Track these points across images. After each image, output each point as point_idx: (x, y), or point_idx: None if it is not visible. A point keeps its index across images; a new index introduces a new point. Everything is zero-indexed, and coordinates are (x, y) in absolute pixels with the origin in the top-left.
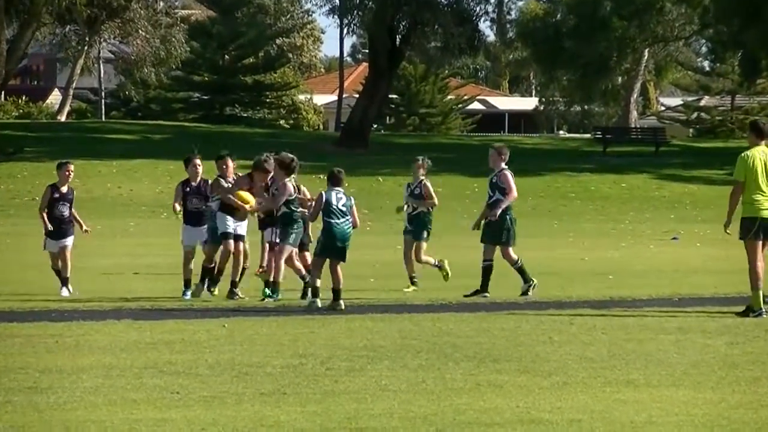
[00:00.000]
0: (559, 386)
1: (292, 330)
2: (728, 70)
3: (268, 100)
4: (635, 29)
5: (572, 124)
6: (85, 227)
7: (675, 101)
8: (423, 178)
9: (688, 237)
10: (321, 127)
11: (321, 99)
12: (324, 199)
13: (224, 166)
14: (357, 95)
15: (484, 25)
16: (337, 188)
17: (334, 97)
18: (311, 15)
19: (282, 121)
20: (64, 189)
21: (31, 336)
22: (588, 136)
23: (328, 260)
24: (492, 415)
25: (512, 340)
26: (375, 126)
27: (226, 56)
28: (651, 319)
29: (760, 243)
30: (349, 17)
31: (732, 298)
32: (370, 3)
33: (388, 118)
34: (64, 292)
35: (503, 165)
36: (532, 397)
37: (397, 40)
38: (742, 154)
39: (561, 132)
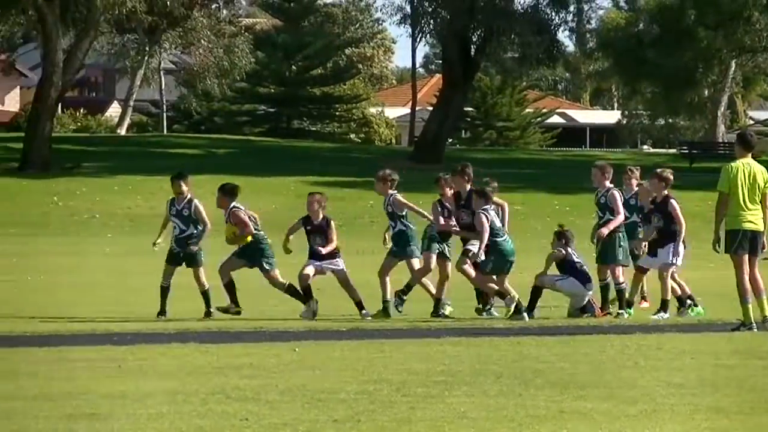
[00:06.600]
0: (647, 414)
1: (365, 354)
2: None
3: (337, 113)
4: (721, 39)
5: (657, 139)
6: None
7: (765, 114)
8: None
9: None
10: (393, 141)
11: (393, 112)
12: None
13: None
14: (431, 108)
15: (563, 35)
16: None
17: (406, 110)
18: (381, 24)
19: (352, 135)
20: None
21: (92, 360)
22: (673, 151)
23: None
24: None
25: (596, 365)
26: (450, 140)
27: (293, 67)
28: (742, 344)
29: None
30: (421, 26)
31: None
32: (443, 11)
33: (463, 131)
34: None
35: (608, 183)
36: (619, 424)
37: (472, 50)
38: None
39: (645, 147)
